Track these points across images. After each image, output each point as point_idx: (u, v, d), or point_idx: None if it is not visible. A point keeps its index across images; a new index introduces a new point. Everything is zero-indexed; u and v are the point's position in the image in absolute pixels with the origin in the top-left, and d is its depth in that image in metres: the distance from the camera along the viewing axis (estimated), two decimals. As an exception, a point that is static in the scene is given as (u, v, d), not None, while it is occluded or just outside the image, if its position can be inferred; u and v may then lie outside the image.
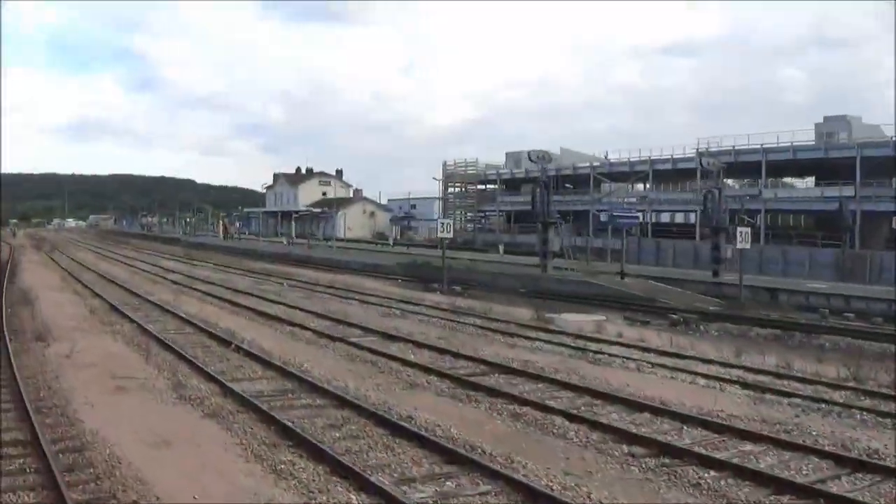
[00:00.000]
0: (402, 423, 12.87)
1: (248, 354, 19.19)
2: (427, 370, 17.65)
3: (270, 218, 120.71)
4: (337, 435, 12.31)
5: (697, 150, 70.33)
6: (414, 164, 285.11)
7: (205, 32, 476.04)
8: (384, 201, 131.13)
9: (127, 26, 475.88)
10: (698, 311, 32.52)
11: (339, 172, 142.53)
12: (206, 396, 14.65)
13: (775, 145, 64.59)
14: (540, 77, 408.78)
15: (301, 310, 28.54)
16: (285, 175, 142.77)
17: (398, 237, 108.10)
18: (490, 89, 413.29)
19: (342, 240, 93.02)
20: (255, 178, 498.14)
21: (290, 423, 12.58)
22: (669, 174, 77.80)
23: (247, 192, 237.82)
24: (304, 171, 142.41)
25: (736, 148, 67.09)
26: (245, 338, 21.62)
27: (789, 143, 63.98)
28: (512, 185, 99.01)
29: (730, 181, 77.37)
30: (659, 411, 14.02)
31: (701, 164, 48.01)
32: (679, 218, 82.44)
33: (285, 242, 78.34)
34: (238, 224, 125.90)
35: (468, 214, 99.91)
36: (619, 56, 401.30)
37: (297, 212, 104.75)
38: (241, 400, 14.26)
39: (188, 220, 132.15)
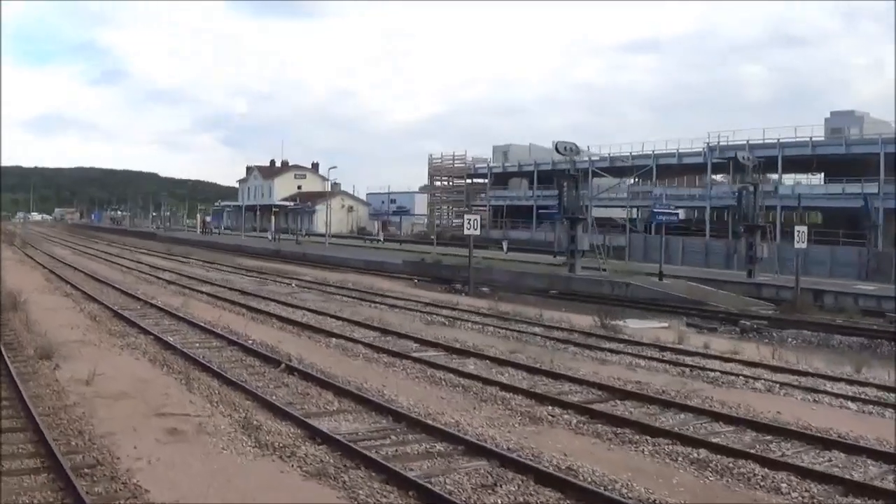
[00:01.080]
0: (570, 479, 9.77)
1: (306, 376, 15.67)
2: (539, 398, 14.44)
3: (244, 212, 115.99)
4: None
5: (707, 144, 67.47)
6: (377, 158, 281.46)
7: (169, 26, 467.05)
8: (362, 195, 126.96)
9: (92, 20, 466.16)
10: (759, 317, 29.62)
11: (315, 166, 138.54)
12: (292, 443, 11.04)
13: (793, 140, 61.56)
14: (499, 74, 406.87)
15: (331, 316, 25.06)
16: (259, 168, 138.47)
17: (379, 232, 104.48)
18: (452, 85, 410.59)
19: (324, 235, 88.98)
20: (217, 171, 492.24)
21: (429, 485, 9.28)
22: (674, 169, 74.76)
23: (210, 185, 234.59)
24: (278, 164, 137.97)
25: (750, 142, 64.01)
26: (289, 353, 18.00)
27: (808, 138, 61.02)
28: (500, 179, 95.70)
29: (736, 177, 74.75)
30: (853, 449, 11.65)
31: (738, 158, 44.78)
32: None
33: (270, 238, 74.16)
34: (208, 218, 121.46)
35: (455, 209, 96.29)
36: (578, 53, 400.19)
37: (276, 206, 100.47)
38: (341, 447, 10.79)
39: (162, 214, 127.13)
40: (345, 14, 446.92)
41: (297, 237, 71.45)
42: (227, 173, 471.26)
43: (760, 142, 63.02)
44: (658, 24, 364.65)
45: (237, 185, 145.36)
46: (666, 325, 26.43)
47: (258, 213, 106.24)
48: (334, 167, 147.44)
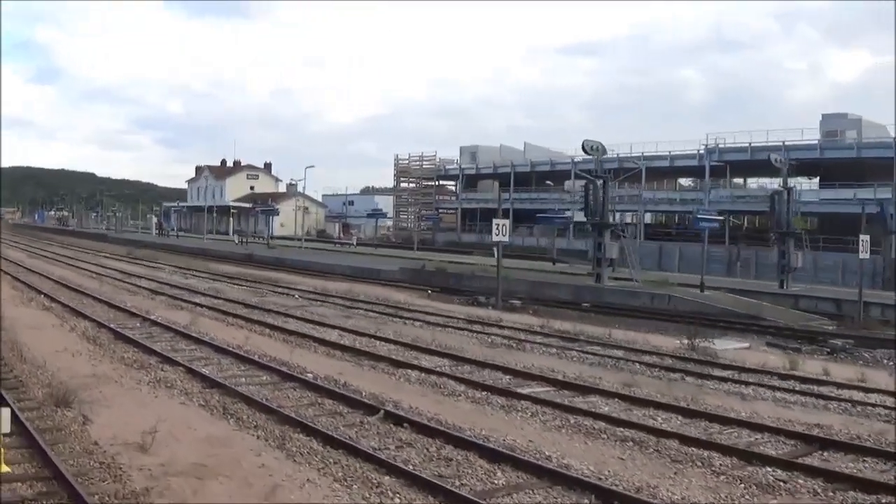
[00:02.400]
0: None
1: (422, 429, 11.97)
2: (739, 454, 11.25)
3: (206, 213, 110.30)
4: None
5: (706, 146, 64.57)
6: (317, 159, 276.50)
7: (108, 25, 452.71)
8: (318, 197, 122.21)
9: (30, 17, 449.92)
10: (842, 335, 26.30)
11: (268, 166, 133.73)
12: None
13: (799, 142, 58.70)
14: (438, 75, 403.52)
15: (376, 338, 21.18)
16: (210, 168, 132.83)
17: (340, 235, 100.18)
18: (391, 86, 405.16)
19: (289, 238, 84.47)
20: (154, 172, 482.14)
21: None
22: (664, 171, 71.86)
23: (147, 186, 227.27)
24: (230, 163, 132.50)
25: (752, 145, 61.13)
26: (372, 393, 14.17)
27: (815, 141, 58.25)
28: (469, 181, 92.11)
29: (738, 180, 72.16)
30: None
31: (770, 160, 41.45)
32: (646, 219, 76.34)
33: (236, 241, 69.33)
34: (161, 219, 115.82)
35: (424, 212, 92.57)
36: (516, 56, 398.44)
37: (234, 207, 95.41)
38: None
39: (114, 214, 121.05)
40: (282, 15, 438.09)
41: (269, 241, 66.62)
42: (164, 174, 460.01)
43: (763, 144, 59.99)
44: (596, 28, 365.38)
45: (178, 186, 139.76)
46: (746, 345, 23.39)
47: (214, 214, 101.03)
48: (305, 172, 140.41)
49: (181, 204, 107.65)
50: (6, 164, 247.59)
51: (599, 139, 36.96)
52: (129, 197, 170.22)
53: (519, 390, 15.00)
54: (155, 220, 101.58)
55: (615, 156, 71.38)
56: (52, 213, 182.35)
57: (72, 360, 16.47)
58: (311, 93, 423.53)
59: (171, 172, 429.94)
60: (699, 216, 40.90)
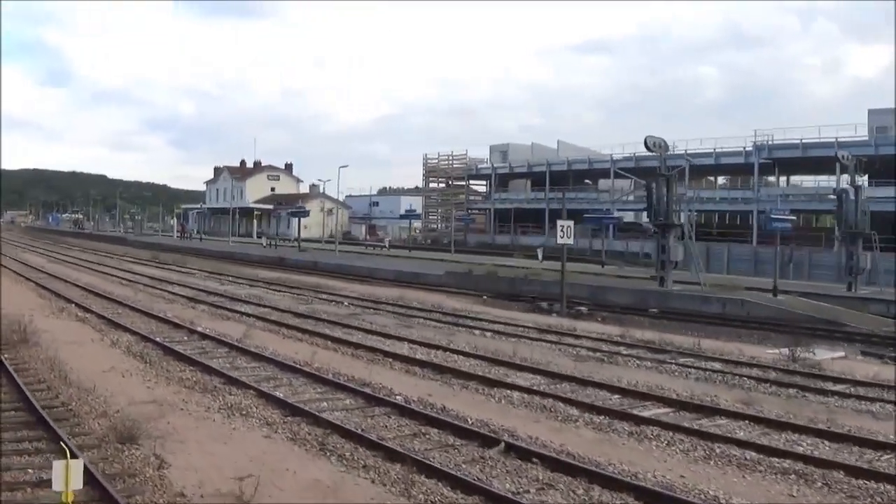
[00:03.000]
0: None
1: (557, 465, 10.27)
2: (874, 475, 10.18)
3: (214, 215, 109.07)
4: None
5: (755, 143, 62.33)
6: (328, 160, 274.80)
7: (118, 26, 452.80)
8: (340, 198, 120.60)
9: (38, 18, 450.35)
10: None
11: (289, 166, 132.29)
12: None
13: (852, 139, 56.44)
14: (448, 75, 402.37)
15: (450, 350, 19.66)
16: (230, 169, 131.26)
17: (367, 237, 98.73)
18: (401, 86, 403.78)
19: (306, 240, 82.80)
20: (166, 173, 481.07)
21: None
22: (708, 169, 69.77)
23: (160, 187, 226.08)
24: (250, 164, 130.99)
25: (804, 142, 58.94)
26: (479, 419, 12.55)
27: (868, 137, 55.99)
28: (500, 181, 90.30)
29: (795, 178, 70.07)
30: None
31: (838, 158, 39.38)
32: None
33: (265, 244, 67.67)
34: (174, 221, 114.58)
35: (456, 213, 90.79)
36: (528, 54, 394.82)
37: (258, 209, 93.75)
38: None
39: (133, 217, 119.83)
40: (291, 15, 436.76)
41: (299, 244, 64.94)
42: (176, 175, 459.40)
43: (816, 140, 57.78)
44: (609, 26, 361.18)
45: (190, 188, 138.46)
46: (841, 354, 21.76)
47: (236, 216, 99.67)
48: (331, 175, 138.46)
49: (204, 206, 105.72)
50: (16, 166, 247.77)
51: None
52: (144, 199, 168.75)
53: (637, 412, 13.47)
54: (176, 222, 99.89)
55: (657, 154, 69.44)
56: (67, 215, 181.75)
57: (123, 381, 14.74)
58: (321, 93, 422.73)
59: (182, 174, 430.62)
60: (772, 216, 38.71)
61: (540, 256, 53.83)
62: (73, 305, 26.29)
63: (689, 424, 12.66)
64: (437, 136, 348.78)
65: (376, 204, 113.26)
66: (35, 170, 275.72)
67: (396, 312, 27.59)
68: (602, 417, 13.10)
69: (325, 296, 32.52)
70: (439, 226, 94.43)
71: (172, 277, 39.34)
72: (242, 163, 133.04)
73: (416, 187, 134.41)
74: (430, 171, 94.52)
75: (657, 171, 35.09)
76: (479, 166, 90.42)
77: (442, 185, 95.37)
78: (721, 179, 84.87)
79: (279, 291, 34.08)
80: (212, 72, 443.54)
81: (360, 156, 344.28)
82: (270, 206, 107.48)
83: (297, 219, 78.19)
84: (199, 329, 21.45)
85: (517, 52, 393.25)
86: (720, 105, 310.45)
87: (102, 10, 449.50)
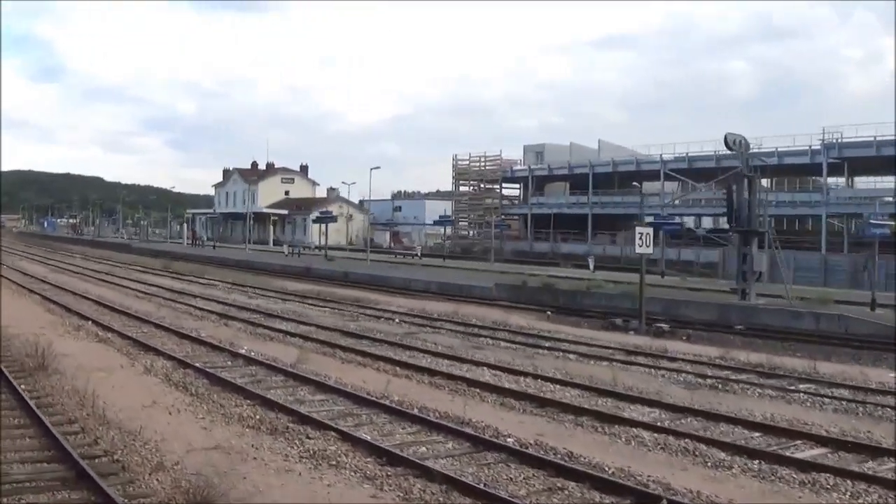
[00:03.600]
0: None
1: None
2: None
3: (225, 220, 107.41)
4: None
5: (823, 141, 60.21)
6: (336, 161, 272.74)
7: (113, 19, 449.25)
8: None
9: (29, 12, 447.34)
10: None
11: (304, 168, 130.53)
12: None
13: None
14: (462, 73, 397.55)
15: (538, 377, 17.85)
16: (240, 171, 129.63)
17: (391, 244, 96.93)
18: (412, 85, 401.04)
19: (333, 248, 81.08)
20: (164, 175, 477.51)
21: None
22: (770, 170, 67.50)
23: (160, 191, 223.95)
24: (262, 166, 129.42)
25: (878, 139, 56.81)
26: (597, 462, 11.06)
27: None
28: (536, 184, 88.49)
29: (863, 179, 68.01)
30: None
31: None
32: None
33: (286, 252, 65.94)
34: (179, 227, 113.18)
35: (489, 218, 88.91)
36: (546, 50, 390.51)
37: (274, 214, 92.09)
38: None
39: (135, 222, 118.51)
40: (296, 10, 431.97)
41: (326, 252, 63.20)
42: (175, 177, 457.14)
43: (893, 138, 55.63)
44: (632, 18, 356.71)
45: (192, 191, 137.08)
46: None
47: (251, 221, 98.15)
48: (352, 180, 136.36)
49: (217, 211, 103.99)
50: (4, 167, 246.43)
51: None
52: (148, 203, 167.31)
53: (792, 454, 12.02)
54: (185, 228, 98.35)
55: (713, 153, 67.78)
56: (63, 220, 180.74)
57: (172, 420, 12.92)
58: (328, 92, 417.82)
59: (182, 176, 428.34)
60: (871, 221, 36.69)
61: (591, 266, 52.04)
62: (90, 323, 24.53)
63: (859, 468, 11.29)
64: (450, 136, 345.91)
65: (399, 209, 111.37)
66: (26, 171, 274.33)
67: (458, 331, 25.77)
68: (757, 462, 11.47)
69: (369, 311, 30.75)
70: (470, 232, 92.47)
71: (193, 290, 37.65)
72: (254, 164, 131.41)
73: (437, 191, 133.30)
74: (460, 174, 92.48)
75: (739, 173, 33.22)
76: (515, 168, 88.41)
77: (472, 188, 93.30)
78: (763, 181, 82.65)
79: (317, 306, 32.29)
80: (213, 68, 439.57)
81: (370, 157, 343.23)
82: (285, 211, 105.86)
83: (319, 225, 76.61)
84: (243, 352, 19.68)
85: (534, 48, 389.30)
86: (750, 102, 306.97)
87: (97, 2, 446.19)
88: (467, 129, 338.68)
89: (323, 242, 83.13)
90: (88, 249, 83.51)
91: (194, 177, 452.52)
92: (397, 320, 28.09)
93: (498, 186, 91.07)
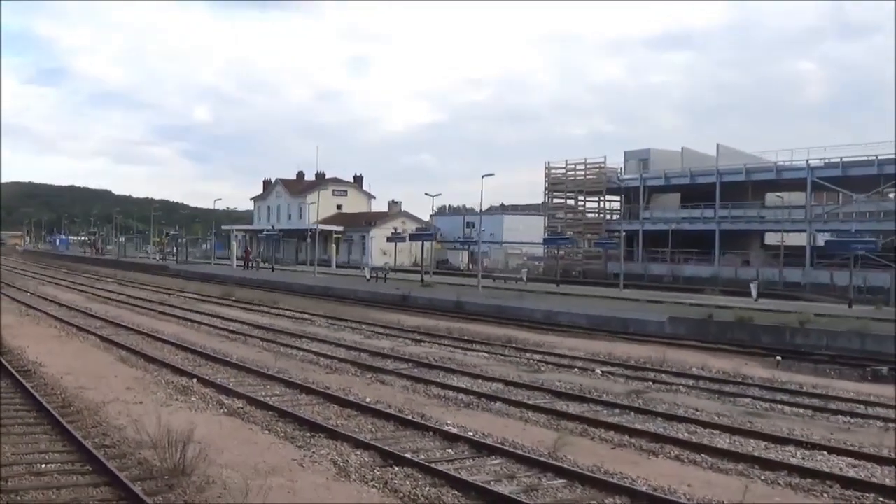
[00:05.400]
0: None
1: None
2: None
3: (267, 239, 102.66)
4: None
5: None
6: (369, 172, 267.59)
7: (119, 17, 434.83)
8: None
9: (27, 7, 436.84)
10: None
11: (358, 179, 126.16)
12: None
13: None
14: (505, 75, 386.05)
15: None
16: (285, 182, 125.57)
17: (469, 265, 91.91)
18: (449, 89, 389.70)
19: (403, 270, 76.48)
20: (180, 189, 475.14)
21: None
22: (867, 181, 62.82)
23: (175, 205, 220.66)
24: (311, 177, 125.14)
25: None
26: None
27: None
28: (632, 196, 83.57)
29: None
30: None
31: None
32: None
33: (368, 276, 60.94)
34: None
35: (592, 236, 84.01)
36: (598, 52, 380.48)
37: (339, 231, 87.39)
38: None
39: (172, 240, 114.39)
40: (323, 7, 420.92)
41: (423, 277, 58.12)
42: (192, 191, 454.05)
43: None
44: (691, 16, 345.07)
45: (208, 206, 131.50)
46: None
47: (308, 240, 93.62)
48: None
49: (270, 230, 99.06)
50: (2, 179, 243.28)
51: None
52: (179, 218, 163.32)
53: None
54: (235, 247, 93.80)
55: (873, 158, 62.89)
56: (79, 237, 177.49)
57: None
58: (359, 96, 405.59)
59: (200, 190, 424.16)
60: None
61: (755, 294, 46.60)
62: (196, 382, 19.46)
63: None
64: (490, 146, 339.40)
65: (471, 225, 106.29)
66: (26, 182, 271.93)
67: (694, 387, 20.84)
68: None
69: (537, 356, 25.97)
70: (564, 252, 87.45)
71: (287, 326, 32.86)
72: (300, 175, 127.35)
73: (508, 205, 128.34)
74: (554, 184, 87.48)
75: None
76: (623, 177, 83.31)
77: (570, 199, 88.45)
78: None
79: (468, 350, 27.40)
80: (232, 72, 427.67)
81: (407, 168, 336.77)
82: (340, 228, 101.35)
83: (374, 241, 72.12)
84: (451, 428, 14.97)
85: (584, 49, 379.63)
86: (823, 105, 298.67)
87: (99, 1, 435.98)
88: (510, 139, 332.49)
89: (383, 263, 78.79)
90: (119, 272, 79.00)
91: (211, 190, 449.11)
92: (599, 372, 22.95)
93: (602, 199, 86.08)
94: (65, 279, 67.27)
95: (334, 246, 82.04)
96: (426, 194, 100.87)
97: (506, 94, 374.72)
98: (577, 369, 23.31)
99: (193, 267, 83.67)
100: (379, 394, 18.49)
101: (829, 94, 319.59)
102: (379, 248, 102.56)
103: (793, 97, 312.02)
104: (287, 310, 40.24)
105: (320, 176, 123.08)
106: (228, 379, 19.91)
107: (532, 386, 20.06)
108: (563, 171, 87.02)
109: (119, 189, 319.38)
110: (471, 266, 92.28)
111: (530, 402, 17.81)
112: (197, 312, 38.10)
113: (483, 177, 56.27)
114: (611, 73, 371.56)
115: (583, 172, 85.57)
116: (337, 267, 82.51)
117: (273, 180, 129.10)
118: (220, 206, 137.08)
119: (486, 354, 26.10)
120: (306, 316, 37.70)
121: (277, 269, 78.10)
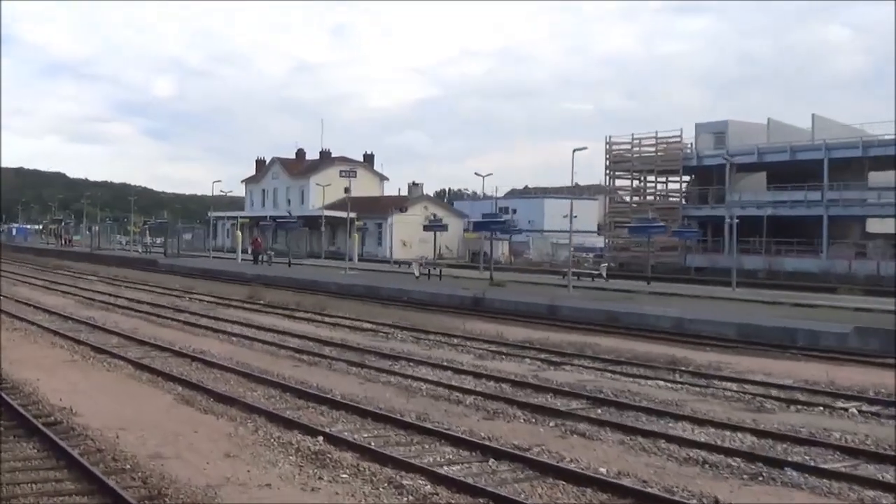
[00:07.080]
0: None
1: None
2: None
3: (270, 227, 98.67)
4: None
5: None
6: (353, 153, 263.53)
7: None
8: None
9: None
10: None
11: (369, 158, 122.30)
12: None
13: None
14: (504, 46, 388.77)
15: None
16: (283, 162, 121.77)
17: (511, 259, 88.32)
18: (442, 61, 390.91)
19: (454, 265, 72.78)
20: (141, 171, 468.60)
21: None
22: None
23: (140, 189, 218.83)
24: (311, 155, 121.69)
25: None
26: None
27: None
28: (704, 177, 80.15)
29: None
30: None
31: None
32: None
33: (417, 273, 56.84)
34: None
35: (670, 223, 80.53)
36: (605, 19, 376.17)
37: (358, 219, 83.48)
38: None
39: (158, 228, 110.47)
40: None
41: (492, 274, 54.16)
42: (155, 174, 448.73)
43: None
44: None
45: (178, 191, 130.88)
46: None
47: (323, 228, 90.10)
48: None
49: (287, 217, 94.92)
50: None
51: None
52: (117, 204, 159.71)
53: None
54: (241, 238, 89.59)
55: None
56: (36, 226, 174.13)
57: None
58: (340, 69, 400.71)
59: (165, 172, 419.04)
60: None
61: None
62: (322, 440, 15.08)
63: None
64: (486, 123, 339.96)
65: (506, 210, 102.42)
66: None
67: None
68: None
69: (736, 385, 21.86)
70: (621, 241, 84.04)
71: (364, 342, 28.81)
72: (299, 154, 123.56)
73: (542, 187, 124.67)
74: (617, 162, 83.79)
75: None
76: (704, 154, 79.72)
77: (636, 181, 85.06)
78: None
79: (629, 375, 23.22)
80: (199, 42, 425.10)
81: (397, 147, 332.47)
82: (354, 214, 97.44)
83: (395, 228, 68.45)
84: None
85: (592, 15, 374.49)
86: (858, 76, 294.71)
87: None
88: (508, 115, 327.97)
89: (406, 254, 74.81)
90: (99, 268, 74.95)
91: (178, 173, 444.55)
92: (854, 411, 18.72)
93: (680, 179, 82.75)
94: (38, 277, 63.57)
95: (357, 236, 77.69)
96: (476, 174, 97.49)
97: (504, 67, 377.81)
98: (820, 407, 19.10)
99: (188, 261, 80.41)
100: (596, 456, 14.26)
101: (863, 63, 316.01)
102: (399, 238, 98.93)
103: (824, 66, 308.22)
104: (344, 318, 36.05)
105: (325, 154, 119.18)
106: (362, 433, 15.57)
107: (793, 437, 15.81)
108: (629, 146, 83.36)
109: (73, 172, 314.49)
110: (512, 259, 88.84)
111: (821, 466, 13.63)
112: (231, 322, 34.00)
113: (574, 151, 50.84)
114: (620, 42, 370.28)
115: (652, 148, 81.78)
116: (359, 259, 78.70)
117: (271, 159, 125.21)
118: (195, 191, 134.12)
119: (666, 384, 21.80)
120: (376, 327, 33.50)
121: (294, 264, 74.18)
